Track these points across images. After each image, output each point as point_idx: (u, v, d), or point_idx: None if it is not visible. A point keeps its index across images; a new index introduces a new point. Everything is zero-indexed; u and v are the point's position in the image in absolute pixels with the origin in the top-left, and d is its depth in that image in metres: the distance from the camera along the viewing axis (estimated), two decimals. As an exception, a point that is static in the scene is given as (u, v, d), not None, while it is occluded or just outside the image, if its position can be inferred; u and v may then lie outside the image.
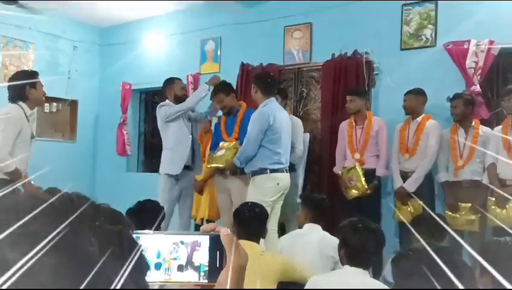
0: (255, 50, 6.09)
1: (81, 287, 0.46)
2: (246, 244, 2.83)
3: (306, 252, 3.23)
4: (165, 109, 4.70)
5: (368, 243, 2.31)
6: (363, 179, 4.53)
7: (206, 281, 0.73)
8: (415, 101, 4.57)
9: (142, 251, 0.58)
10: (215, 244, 0.73)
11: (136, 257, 0.55)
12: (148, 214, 3.02)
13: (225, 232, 0.73)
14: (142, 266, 0.57)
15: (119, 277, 0.50)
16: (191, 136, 4.74)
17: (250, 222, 2.98)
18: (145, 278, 0.57)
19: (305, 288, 2.42)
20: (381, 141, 4.70)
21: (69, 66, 7.38)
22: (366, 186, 4.52)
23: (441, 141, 4.48)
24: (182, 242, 0.73)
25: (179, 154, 4.62)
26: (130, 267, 0.53)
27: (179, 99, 4.71)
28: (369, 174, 4.61)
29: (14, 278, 0.44)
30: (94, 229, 0.52)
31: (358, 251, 2.32)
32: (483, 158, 4.28)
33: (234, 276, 0.71)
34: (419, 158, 4.49)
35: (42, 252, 0.46)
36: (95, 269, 0.48)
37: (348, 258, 2.36)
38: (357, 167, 4.60)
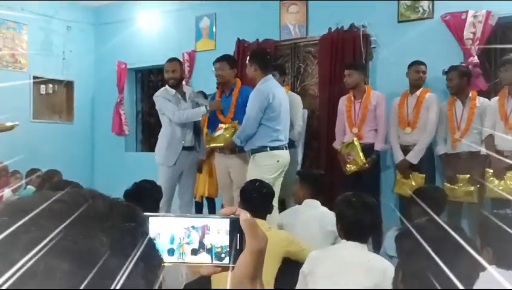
0: (250, 26, 6.03)
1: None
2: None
3: (306, 227, 3.26)
4: (159, 104, 4.64)
5: (363, 217, 2.32)
6: (361, 153, 4.53)
7: (219, 262, 0.74)
8: (423, 73, 4.55)
9: (155, 245, 0.59)
10: (235, 227, 0.73)
11: (149, 255, 0.55)
12: (146, 195, 3.02)
13: (244, 216, 0.73)
14: (155, 263, 0.57)
15: (126, 276, 0.49)
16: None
17: (258, 200, 3.00)
18: (159, 275, 0.57)
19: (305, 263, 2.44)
20: (379, 115, 4.68)
21: (64, 46, 7.32)
22: (365, 161, 4.53)
23: (439, 114, 4.48)
24: (193, 227, 0.73)
25: (174, 145, 4.57)
26: (143, 266, 0.53)
27: (167, 83, 4.64)
28: (368, 149, 4.61)
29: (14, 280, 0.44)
30: (106, 230, 0.51)
31: (354, 225, 2.34)
32: (481, 130, 4.28)
33: (253, 259, 0.72)
34: (420, 131, 4.49)
35: (51, 255, 0.46)
36: (104, 271, 0.48)
37: (345, 233, 2.38)
38: (355, 141, 4.59)
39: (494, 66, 4.82)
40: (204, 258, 0.73)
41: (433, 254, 1.19)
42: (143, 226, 0.57)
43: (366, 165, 4.53)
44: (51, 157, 6.23)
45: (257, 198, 3.00)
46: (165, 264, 0.71)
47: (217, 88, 4.76)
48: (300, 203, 3.56)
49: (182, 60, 5.97)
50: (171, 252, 0.73)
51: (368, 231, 2.33)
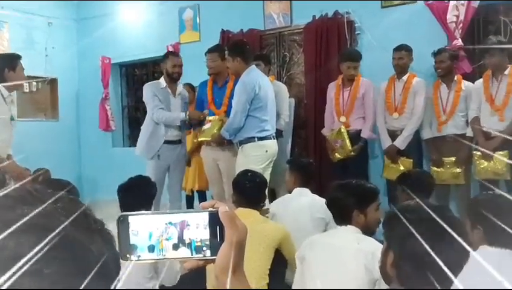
0: (234, 16, 6.00)
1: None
2: (246, 212, 2.87)
3: (297, 216, 3.27)
4: (145, 96, 4.59)
5: (339, 200, 2.35)
6: (348, 141, 4.55)
7: (200, 255, 0.74)
8: (407, 58, 4.55)
9: (104, 224, 0.59)
10: (215, 220, 0.74)
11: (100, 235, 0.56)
12: (140, 191, 3.01)
13: (223, 209, 0.74)
14: (106, 237, 0.58)
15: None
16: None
17: (251, 191, 3.00)
18: (115, 252, 0.59)
19: (302, 248, 2.46)
20: (367, 103, 4.69)
21: (46, 43, 7.21)
22: (351, 148, 4.55)
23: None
24: (170, 223, 0.74)
25: (155, 138, 4.53)
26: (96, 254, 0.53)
27: (169, 76, 4.58)
28: (356, 136, 4.63)
29: None
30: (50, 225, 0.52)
31: (335, 209, 2.39)
32: (466, 112, 4.32)
33: (233, 251, 0.73)
34: (408, 117, 4.51)
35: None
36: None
37: (335, 218, 2.42)
38: (342, 129, 4.60)
39: (478, 48, 4.85)
40: (184, 253, 0.74)
41: (424, 236, 1.20)
42: (88, 219, 0.57)
43: (353, 153, 4.55)
44: (38, 155, 6.16)
45: (250, 189, 3.00)
46: (146, 261, 0.73)
47: (209, 75, 4.71)
48: (290, 191, 3.58)
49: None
50: (151, 248, 0.73)
51: (348, 214, 2.33)
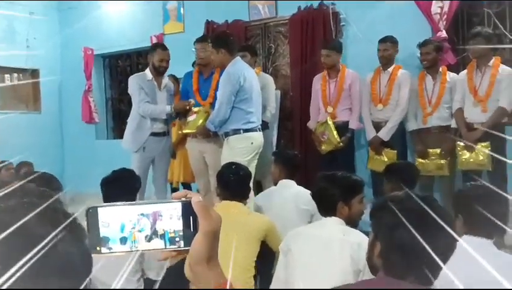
0: (219, 7, 5.94)
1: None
2: (231, 205, 2.85)
3: (282, 208, 3.28)
4: (130, 88, 4.54)
5: (326, 191, 2.35)
6: (335, 132, 4.56)
7: (174, 246, 0.74)
8: (392, 49, 4.56)
9: (76, 219, 0.58)
10: (188, 210, 0.74)
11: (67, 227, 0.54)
12: (124, 184, 2.97)
13: (197, 198, 0.73)
14: (77, 234, 0.56)
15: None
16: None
17: (236, 184, 2.98)
18: (84, 243, 0.57)
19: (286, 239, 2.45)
20: (354, 94, 4.70)
21: (27, 34, 7.09)
22: (339, 140, 4.56)
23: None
24: (143, 214, 0.73)
25: (141, 130, 4.49)
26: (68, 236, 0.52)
27: (156, 70, 4.52)
28: (342, 128, 4.64)
29: None
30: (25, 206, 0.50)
31: (322, 200, 2.39)
32: (451, 104, 4.34)
33: (207, 241, 0.72)
34: (392, 108, 4.53)
35: None
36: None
37: (320, 209, 2.42)
38: (328, 121, 4.61)
39: (462, 40, 4.88)
40: (158, 244, 0.74)
41: (412, 226, 1.20)
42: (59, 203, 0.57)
43: (341, 144, 4.56)
44: (20, 148, 6.08)
45: (235, 181, 2.98)
46: (118, 253, 0.72)
47: (193, 66, 4.65)
48: (276, 184, 3.57)
49: (150, 43, 5.88)
50: (123, 240, 0.72)
51: (332, 205, 2.34)
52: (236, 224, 2.69)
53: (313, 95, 4.92)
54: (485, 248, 1.86)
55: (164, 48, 4.60)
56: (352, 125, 4.68)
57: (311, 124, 4.91)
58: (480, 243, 1.87)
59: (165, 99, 4.57)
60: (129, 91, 4.60)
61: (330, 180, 2.40)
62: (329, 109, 4.72)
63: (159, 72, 4.50)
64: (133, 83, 4.52)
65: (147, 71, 4.56)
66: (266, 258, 2.84)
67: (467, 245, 1.78)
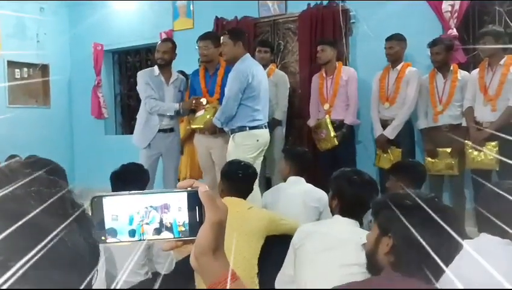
0: (228, 3, 5.93)
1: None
2: (233, 200, 2.84)
3: (289, 205, 3.25)
4: (138, 84, 4.56)
5: (364, 196, 2.24)
6: (332, 131, 4.60)
7: (182, 237, 0.74)
8: (399, 47, 4.54)
9: (85, 210, 0.58)
10: (194, 200, 0.73)
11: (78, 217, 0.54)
12: (133, 177, 2.99)
13: (203, 188, 0.73)
14: (85, 224, 0.56)
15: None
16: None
17: (241, 182, 2.97)
18: (92, 235, 0.57)
19: (295, 236, 2.41)
20: (350, 90, 4.73)
21: (38, 29, 7.13)
22: (333, 136, 4.60)
23: (420, 88, 4.49)
24: (152, 207, 0.72)
25: (149, 126, 4.51)
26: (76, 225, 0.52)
27: (156, 63, 4.55)
28: (340, 124, 4.68)
29: None
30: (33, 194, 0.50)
31: (354, 203, 2.27)
32: (462, 102, 4.31)
33: (213, 231, 0.71)
34: (399, 106, 4.51)
35: None
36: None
37: (341, 210, 2.30)
38: (326, 118, 4.65)
39: (473, 38, 4.85)
40: (166, 235, 0.73)
41: (427, 225, 1.20)
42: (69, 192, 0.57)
43: (335, 139, 4.58)
44: (30, 142, 6.12)
45: (239, 179, 2.97)
46: (123, 243, 0.72)
47: (199, 65, 4.67)
48: (285, 180, 3.56)
49: (159, 39, 5.87)
50: (131, 233, 0.72)
51: (365, 209, 2.26)
52: (240, 221, 2.68)
53: (312, 94, 4.98)
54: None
55: (163, 40, 4.62)
56: (348, 120, 4.71)
57: (311, 122, 4.94)
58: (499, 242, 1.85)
59: (172, 95, 4.58)
60: (137, 87, 4.62)
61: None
62: (326, 106, 4.76)
63: (160, 65, 4.51)
64: (140, 79, 4.55)
65: (155, 67, 4.58)
66: (270, 255, 2.82)
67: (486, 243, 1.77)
